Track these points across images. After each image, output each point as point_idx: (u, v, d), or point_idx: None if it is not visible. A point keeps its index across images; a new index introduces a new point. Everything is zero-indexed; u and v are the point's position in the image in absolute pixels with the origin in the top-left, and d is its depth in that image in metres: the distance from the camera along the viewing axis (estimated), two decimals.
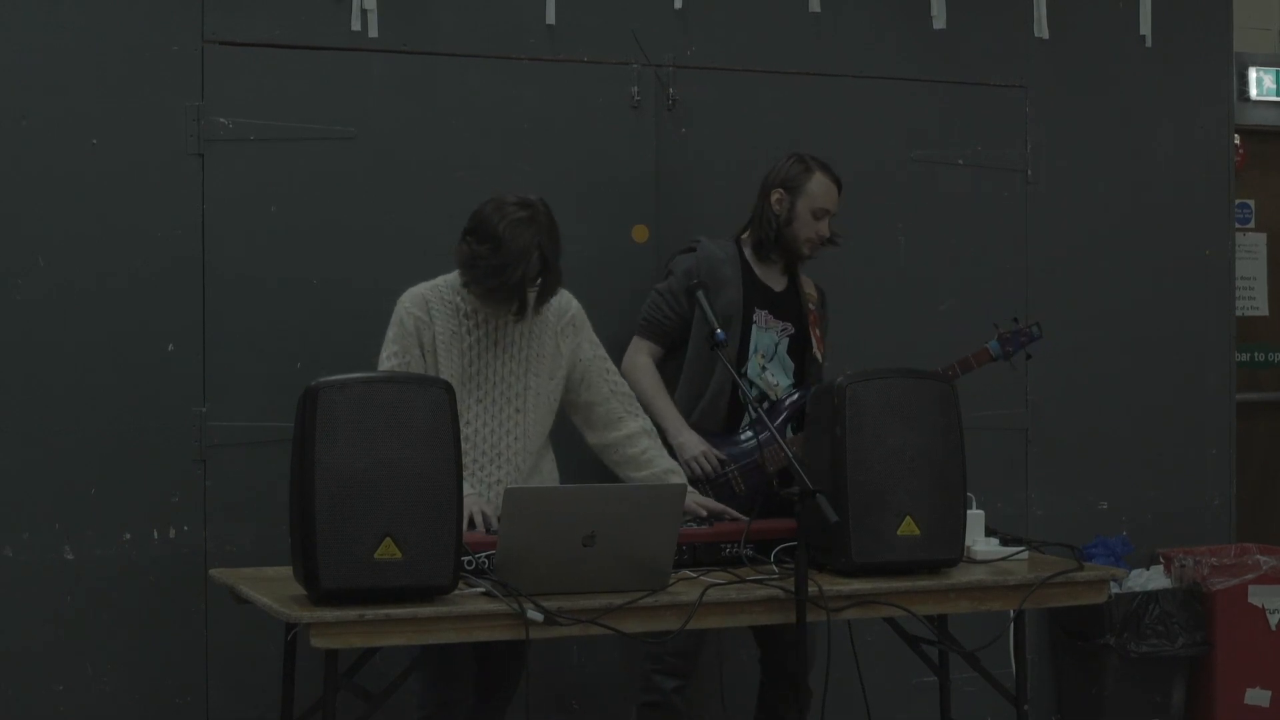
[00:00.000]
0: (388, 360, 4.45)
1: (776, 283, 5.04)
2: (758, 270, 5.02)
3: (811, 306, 5.06)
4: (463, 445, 4.36)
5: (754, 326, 4.95)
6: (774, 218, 4.98)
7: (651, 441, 4.62)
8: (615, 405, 4.62)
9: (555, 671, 5.16)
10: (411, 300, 4.51)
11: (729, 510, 4.50)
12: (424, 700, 4.48)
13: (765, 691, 5.02)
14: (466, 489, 4.30)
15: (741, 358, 4.91)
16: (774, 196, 4.98)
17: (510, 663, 4.61)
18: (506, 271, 4.32)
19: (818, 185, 4.96)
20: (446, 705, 4.45)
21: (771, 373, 4.97)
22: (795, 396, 4.93)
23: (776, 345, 4.98)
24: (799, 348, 5.01)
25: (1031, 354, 5.09)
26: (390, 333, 4.50)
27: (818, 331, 5.04)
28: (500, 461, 4.52)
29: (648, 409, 4.89)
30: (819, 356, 5.02)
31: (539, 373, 4.55)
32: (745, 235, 5.06)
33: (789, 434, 4.86)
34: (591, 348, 4.63)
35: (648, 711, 4.93)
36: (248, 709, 4.87)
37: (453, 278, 4.54)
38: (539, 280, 4.37)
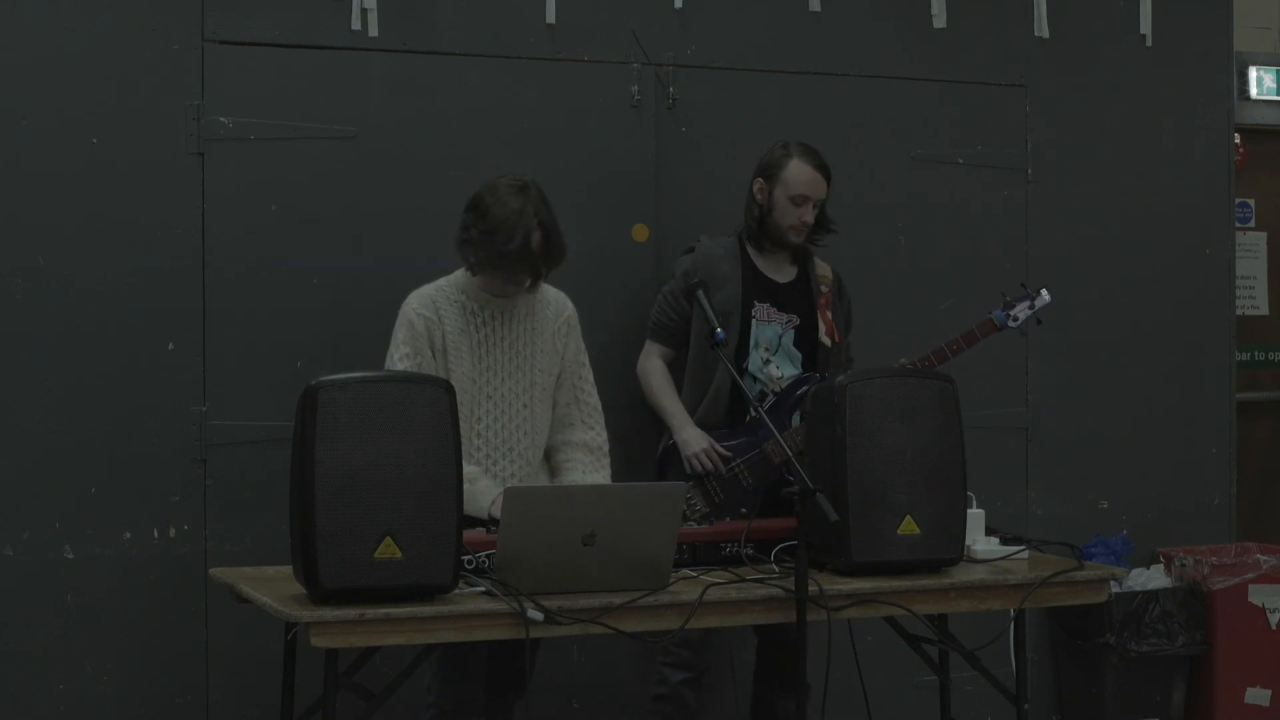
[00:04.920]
0: (400, 361, 4.45)
1: (783, 274, 5.02)
2: (760, 263, 5.01)
3: (824, 289, 5.03)
4: (475, 441, 4.45)
5: (754, 320, 4.94)
6: (757, 207, 4.97)
7: (583, 454, 4.62)
8: (573, 412, 4.65)
9: (555, 671, 5.16)
10: (419, 301, 4.51)
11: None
12: (437, 698, 4.49)
13: (760, 683, 5.02)
14: (486, 483, 4.35)
15: (742, 352, 4.90)
16: (755, 185, 4.98)
17: (521, 660, 4.60)
18: (513, 238, 4.35)
19: (795, 171, 4.92)
20: (460, 703, 4.47)
21: (776, 365, 4.95)
22: (790, 384, 4.92)
23: (780, 337, 4.96)
24: (807, 338, 4.99)
25: (1041, 319, 4.99)
26: (400, 334, 4.49)
27: (828, 315, 5.01)
28: (512, 456, 4.53)
29: (655, 407, 4.93)
30: (827, 342, 4.98)
31: (542, 369, 4.57)
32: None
33: (795, 422, 4.86)
34: (576, 353, 4.65)
35: (658, 704, 4.97)
36: (248, 709, 4.87)
37: (455, 278, 4.55)
38: (544, 246, 4.39)
